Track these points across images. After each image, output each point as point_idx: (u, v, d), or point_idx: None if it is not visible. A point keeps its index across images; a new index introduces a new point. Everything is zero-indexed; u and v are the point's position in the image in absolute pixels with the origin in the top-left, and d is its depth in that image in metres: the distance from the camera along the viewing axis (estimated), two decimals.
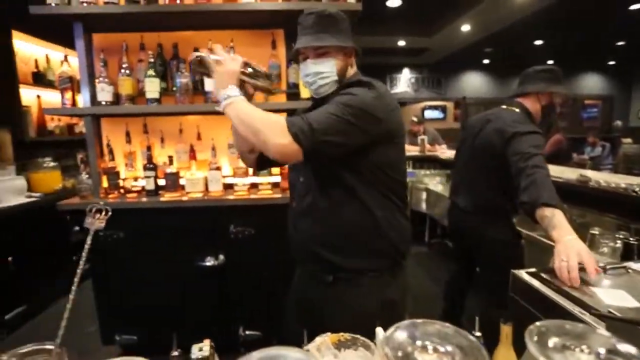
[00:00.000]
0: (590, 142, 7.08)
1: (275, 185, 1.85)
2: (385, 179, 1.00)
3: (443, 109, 9.18)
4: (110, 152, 1.90)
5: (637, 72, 9.94)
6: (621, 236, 1.67)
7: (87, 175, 1.82)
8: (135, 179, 1.88)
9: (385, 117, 0.94)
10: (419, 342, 0.36)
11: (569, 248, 1.01)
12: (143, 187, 1.86)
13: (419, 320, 0.39)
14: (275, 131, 0.86)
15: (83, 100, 1.81)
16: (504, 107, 1.67)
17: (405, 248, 1.07)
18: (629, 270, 1.07)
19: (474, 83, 9.66)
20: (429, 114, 8.94)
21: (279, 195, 1.77)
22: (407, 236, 1.07)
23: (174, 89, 1.85)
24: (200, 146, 1.98)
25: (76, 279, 0.54)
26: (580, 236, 1.13)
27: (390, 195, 1.02)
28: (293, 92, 1.89)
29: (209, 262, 1.79)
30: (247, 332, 1.86)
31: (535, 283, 1.03)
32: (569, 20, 5.70)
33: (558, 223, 1.11)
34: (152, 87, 1.77)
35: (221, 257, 1.80)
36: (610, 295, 0.92)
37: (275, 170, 1.86)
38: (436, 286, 2.82)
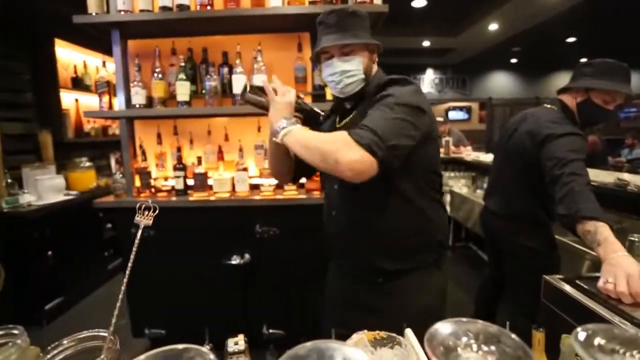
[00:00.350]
0: (628, 144, 6.71)
1: (300, 186, 1.87)
2: (428, 176, 1.00)
3: (468, 110, 8.97)
4: (143, 152, 1.98)
5: None
6: None
7: (120, 175, 1.91)
8: (166, 179, 1.96)
9: (428, 110, 0.93)
10: (463, 339, 0.36)
11: (617, 268, 0.93)
12: (173, 187, 1.93)
13: (464, 319, 0.39)
14: (344, 149, 0.82)
15: (118, 103, 1.90)
16: (547, 105, 1.55)
17: (447, 239, 1.09)
18: None
19: (500, 83, 9.37)
20: (453, 115, 8.76)
21: (304, 196, 1.79)
22: (448, 227, 1.08)
23: (203, 91, 1.91)
24: (227, 147, 2.04)
25: (128, 272, 0.58)
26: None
27: (433, 191, 1.02)
28: (319, 94, 1.90)
29: (235, 260, 1.83)
30: (271, 331, 1.89)
31: (569, 289, 0.99)
32: (605, 17, 5.43)
33: (603, 239, 1.02)
34: (183, 90, 1.84)
35: (247, 256, 1.84)
36: None
37: None
38: (461, 291, 2.76)
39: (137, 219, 0.67)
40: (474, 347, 0.34)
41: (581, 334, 0.32)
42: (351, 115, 1.03)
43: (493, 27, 5.84)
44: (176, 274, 1.87)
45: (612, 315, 0.83)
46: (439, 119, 4.22)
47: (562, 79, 9.78)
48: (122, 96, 1.88)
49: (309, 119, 1.09)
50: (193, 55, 2.00)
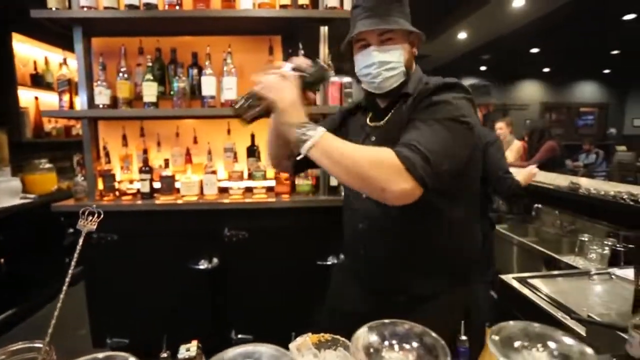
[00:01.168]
0: (585, 149, 7.16)
1: (269, 189, 1.87)
2: (467, 193, 0.90)
3: None
4: (107, 154, 1.91)
5: (631, 81, 10.06)
6: (609, 243, 1.70)
7: (82, 178, 1.83)
8: (131, 182, 1.90)
9: (475, 124, 0.82)
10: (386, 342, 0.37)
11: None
12: (138, 190, 1.87)
13: (387, 321, 0.41)
14: (395, 177, 0.71)
15: (81, 103, 1.82)
16: None
17: (479, 257, 0.99)
18: (613, 277, 1.10)
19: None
20: None
21: (274, 200, 1.79)
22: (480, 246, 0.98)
23: (172, 93, 1.87)
24: (196, 150, 2.00)
25: (67, 279, 0.56)
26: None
27: (471, 208, 0.93)
28: None
29: (203, 265, 1.80)
30: (240, 336, 1.87)
31: (519, 287, 1.05)
32: (564, 29, 5.78)
33: None
34: (150, 91, 1.79)
35: (215, 260, 1.81)
36: (593, 301, 0.94)
37: (270, 174, 1.88)
38: None
39: (80, 224, 0.65)
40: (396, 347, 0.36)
41: (495, 333, 0.35)
42: (388, 117, 0.91)
43: (462, 35, 6.07)
44: (141, 280, 1.81)
45: (557, 311, 0.89)
46: None
47: (529, 87, 10.31)
48: (84, 95, 1.81)
49: (318, 82, 0.90)
50: (161, 55, 1.95)
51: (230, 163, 1.91)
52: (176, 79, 1.83)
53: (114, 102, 1.85)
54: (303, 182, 1.81)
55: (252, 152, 1.95)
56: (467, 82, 10.11)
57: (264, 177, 1.85)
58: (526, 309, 1.00)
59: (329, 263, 1.77)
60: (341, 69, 1.76)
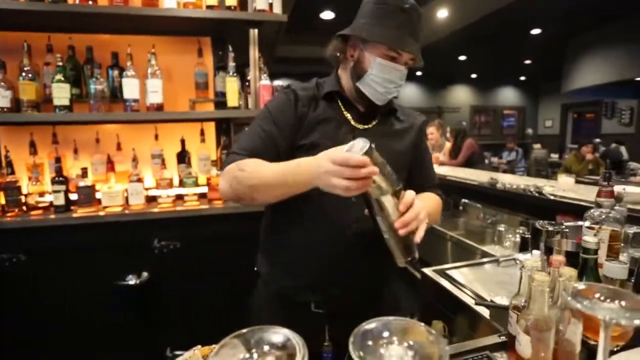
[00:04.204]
0: (508, 148, 7.95)
1: (202, 196, 1.79)
2: None
3: None
4: (9, 164, 1.69)
5: (542, 87, 11.43)
6: (520, 231, 1.89)
7: None
8: (42, 194, 1.70)
9: None
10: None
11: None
12: (51, 203, 1.68)
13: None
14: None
15: None
16: None
17: None
18: (517, 261, 1.23)
19: (408, 93, 10.34)
20: None
21: (207, 207, 1.72)
22: None
23: (89, 95, 1.71)
24: (119, 157, 1.86)
25: None
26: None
27: None
28: (220, 101, 1.86)
29: (131, 280, 1.67)
30: (176, 352, 1.76)
31: (437, 278, 1.13)
32: (485, 39, 6.39)
33: None
34: (61, 93, 1.62)
35: (145, 274, 1.69)
36: (499, 285, 1.04)
37: (202, 180, 1.81)
38: None
39: None
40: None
41: (356, 333, 0.36)
42: (374, 123, 0.95)
43: None
44: (57, 302, 1.62)
45: (467, 297, 0.97)
46: None
47: (460, 91, 11.21)
48: None
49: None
50: (75, 54, 1.78)
51: (158, 170, 1.80)
52: (93, 80, 1.68)
53: (17, 105, 1.64)
54: None
55: (183, 158, 1.86)
56: (408, 87, 10.66)
57: (196, 184, 1.78)
58: (444, 299, 1.08)
59: None
60: (274, 73, 1.75)
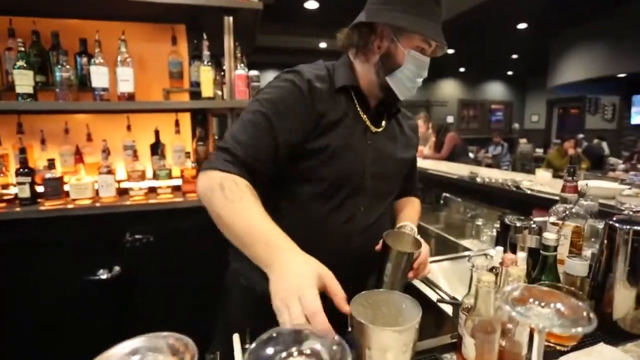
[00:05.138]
0: (495, 142, 8.04)
1: (176, 188, 1.75)
2: None
3: None
4: None
5: (528, 82, 11.54)
6: (497, 225, 1.90)
7: None
8: (6, 187, 1.63)
9: None
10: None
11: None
12: (16, 195, 1.61)
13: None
14: None
15: None
16: None
17: None
18: (488, 257, 1.23)
19: None
20: None
21: (181, 199, 1.68)
22: None
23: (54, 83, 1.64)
24: (90, 148, 1.79)
25: None
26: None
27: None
28: (196, 91, 1.80)
29: (103, 275, 1.63)
30: None
31: None
32: (473, 33, 6.38)
33: None
34: (24, 80, 1.54)
35: (116, 268, 1.64)
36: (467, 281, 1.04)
37: (176, 172, 1.76)
38: None
39: None
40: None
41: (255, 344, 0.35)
42: (384, 126, 0.88)
43: None
44: (23, 301, 1.57)
45: (434, 294, 0.97)
46: None
47: (448, 85, 11.24)
48: None
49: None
50: (40, 39, 1.70)
51: (130, 162, 1.74)
52: (59, 67, 1.61)
53: None
54: None
55: (156, 149, 1.80)
56: None
57: (169, 176, 1.73)
58: (413, 295, 1.07)
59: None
60: (257, 63, 1.70)
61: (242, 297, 0.94)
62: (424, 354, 0.66)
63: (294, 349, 0.34)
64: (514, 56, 8.69)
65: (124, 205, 1.64)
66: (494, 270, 0.74)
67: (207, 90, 1.71)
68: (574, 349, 0.66)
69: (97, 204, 1.64)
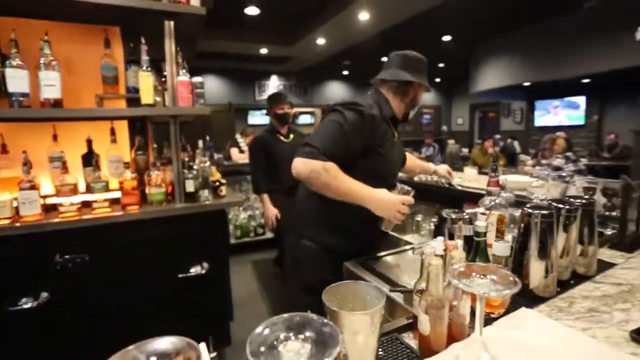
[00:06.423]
0: (427, 143, 8.68)
1: (114, 201, 1.63)
2: None
3: (312, 115, 9.85)
4: None
5: (454, 88, 12.73)
6: (434, 220, 2.09)
7: None
8: None
9: None
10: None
11: None
12: None
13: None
14: None
15: None
16: None
17: None
18: (431, 247, 1.36)
19: (336, 91, 10.67)
20: (301, 119, 9.44)
21: (120, 213, 1.56)
22: None
23: None
24: (6, 161, 1.59)
25: None
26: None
27: None
28: (134, 98, 1.70)
29: (27, 304, 1.45)
30: None
31: (357, 270, 1.19)
32: (402, 43, 6.87)
33: None
34: None
35: (44, 295, 1.48)
36: (413, 270, 1.14)
37: (114, 184, 1.64)
38: None
39: None
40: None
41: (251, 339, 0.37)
42: (398, 134, 1.46)
43: (321, 41, 6.57)
44: None
45: (385, 285, 1.05)
46: None
47: None
48: None
49: None
50: None
51: (58, 175, 1.58)
52: None
53: None
54: (156, 191, 1.63)
55: (90, 160, 1.66)
56: (336, 85, 10.89)
57: (106, 189, 1.60)
58: None
59: (192, 274, 1.66)
60: (198, 68, 1.65)
61: (316, 255, 1.38)
62: (385, 335, 0.73)
63: (291, 334, 0.37)
64: (440, 65, 9.53)
65: (51, 223, 1.48)
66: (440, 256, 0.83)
67: (146, 96, 1.62)
68: (504, 315, 0.79)
69: (18, 224, 1.46)
